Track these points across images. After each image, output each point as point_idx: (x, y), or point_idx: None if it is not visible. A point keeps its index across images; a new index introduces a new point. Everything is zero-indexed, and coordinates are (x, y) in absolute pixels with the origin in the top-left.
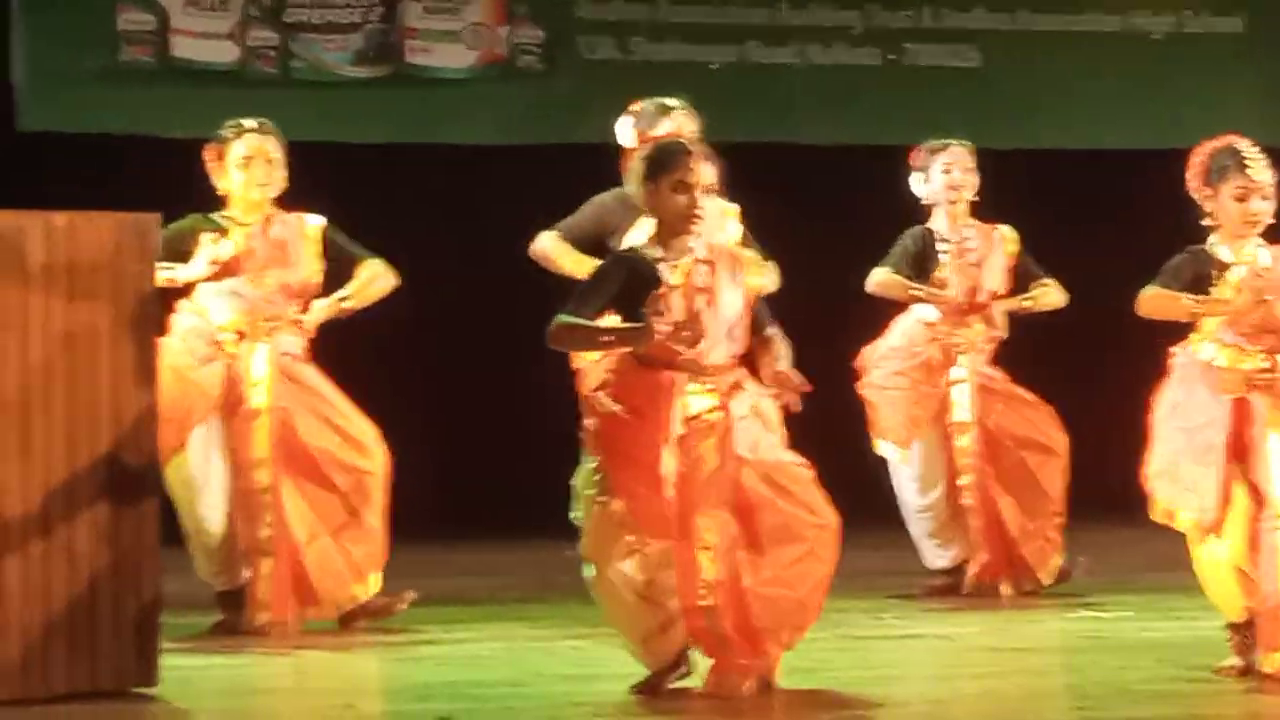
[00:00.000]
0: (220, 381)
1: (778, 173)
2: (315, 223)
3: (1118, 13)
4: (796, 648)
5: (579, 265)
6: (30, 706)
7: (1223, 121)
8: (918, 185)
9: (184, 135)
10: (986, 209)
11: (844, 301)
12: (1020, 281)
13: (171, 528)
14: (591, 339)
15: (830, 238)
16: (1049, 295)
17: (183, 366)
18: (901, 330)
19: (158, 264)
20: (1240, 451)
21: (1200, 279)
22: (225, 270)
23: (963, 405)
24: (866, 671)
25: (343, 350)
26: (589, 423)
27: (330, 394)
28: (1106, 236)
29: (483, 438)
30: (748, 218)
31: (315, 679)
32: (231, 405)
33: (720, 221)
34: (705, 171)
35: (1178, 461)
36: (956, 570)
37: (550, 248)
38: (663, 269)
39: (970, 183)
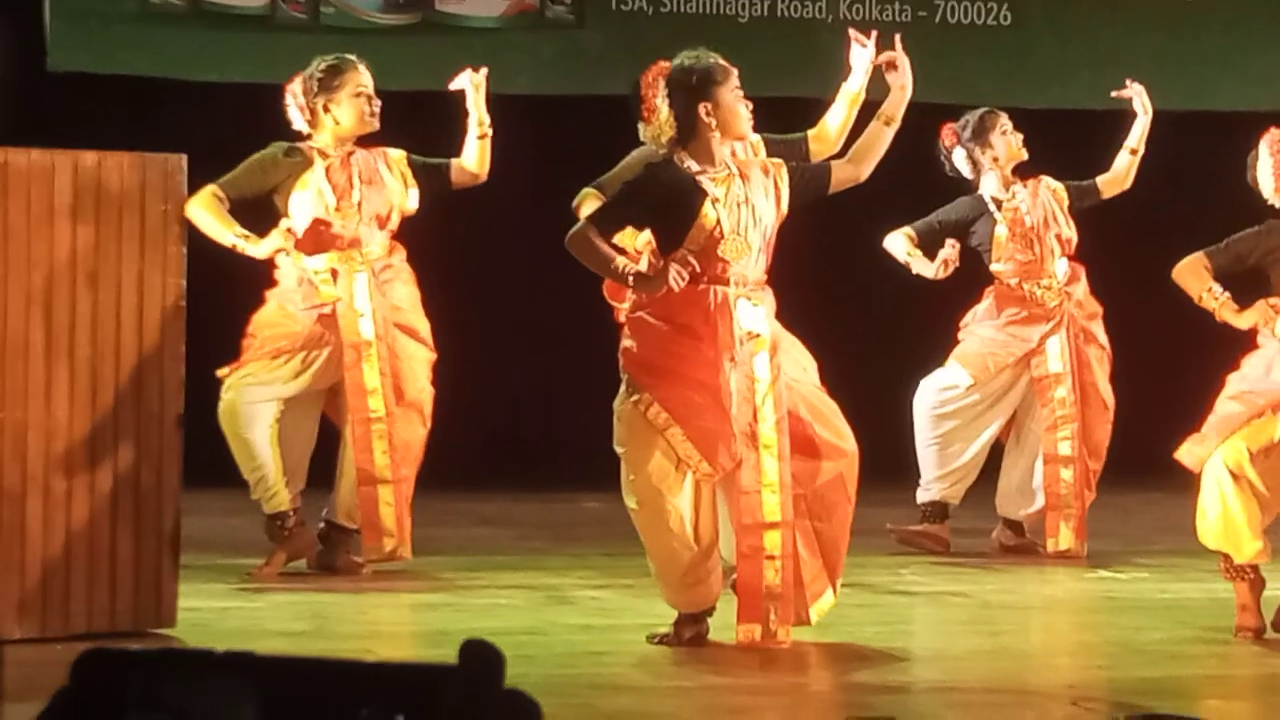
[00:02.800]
0: (313, 324)
1: (806, 127)
2: (397, 153)
3: None
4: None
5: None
6: (49, 644)
7: (1255, 84)
8: (961, 160)
9: (212, 79)
10: (1024, 170)
11: (872, 254)
12: (1079, 206)
13: (193, 471)
14: (604, 266)
15: (858, 192)
16: (1137, 133)
17: (289, 305)
18: (991, 297)
19: (235, 231)
20: None
21: (1271, 253)
22: (316, 206)
23: (1055, 356)
24: (884, 627)
25: None
26: (630, 346)
27: (419, 341)
28: (1137, 197)
29: (505, 390)
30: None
31: (332, 624)
32: (339, 342)
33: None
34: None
35: (1218, 403)
36: (936, 511)
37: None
38: (703, 181)
39: (1021, 140)
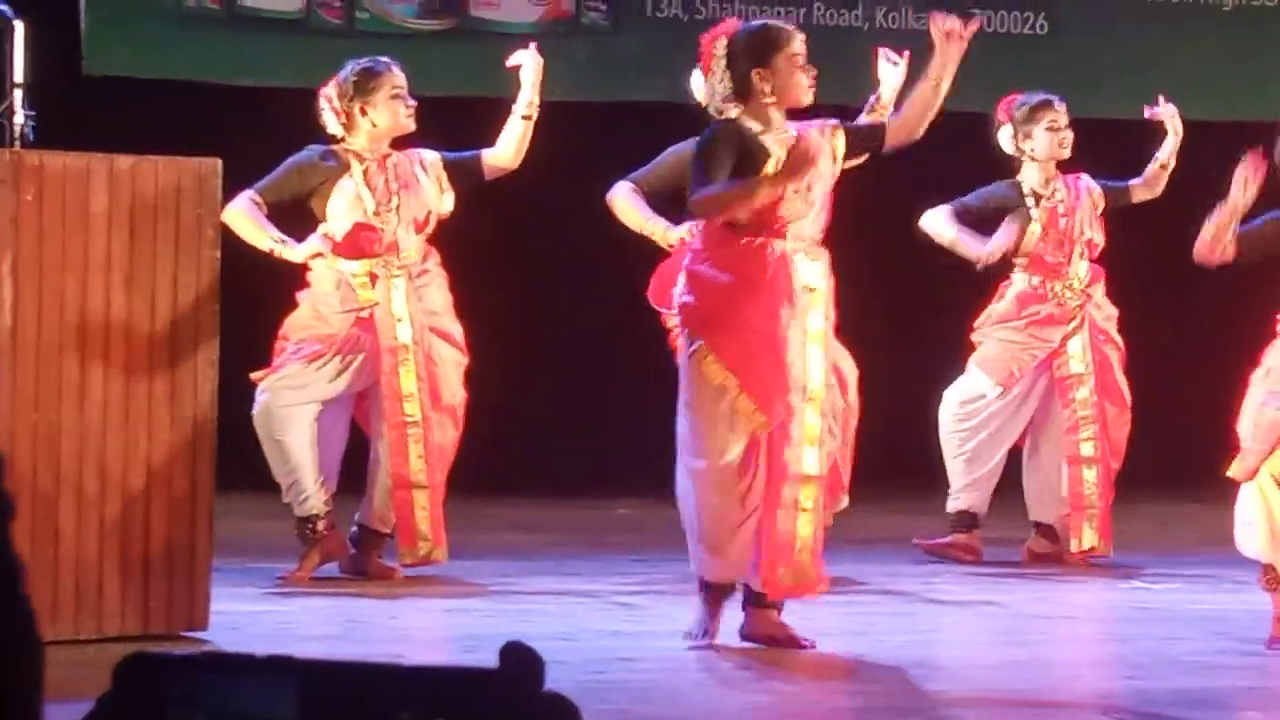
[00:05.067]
0: (349, 327)
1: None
2: (433, 156)
3: None
4: (847, 610)
5: (645, 225)
6: (82, 646)
7: None
8: (1006, 139)
9: (247, 83)
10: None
11: (908, 265)
12: (1113, 210)
13: (225, 474)
14: (744, 195)
15: (891, 201)
16: (1168, 149)
17: (323, 308)
18: (1012, 295)
19: (272, 236)
20: None
21: None
22: (355, 210)
23: (1077, 357)
24: (916, 636)
25: None
26: (688, 300)
27: (453, 345)
28: (1174, 208)
29: (539, 395)
30: None
31: (365, 628)
32: (375, 345)
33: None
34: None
35: (1254, 413)
36: (965, 520)
37: (620, 202)
38: (765, 140)
39: (1070, 140)
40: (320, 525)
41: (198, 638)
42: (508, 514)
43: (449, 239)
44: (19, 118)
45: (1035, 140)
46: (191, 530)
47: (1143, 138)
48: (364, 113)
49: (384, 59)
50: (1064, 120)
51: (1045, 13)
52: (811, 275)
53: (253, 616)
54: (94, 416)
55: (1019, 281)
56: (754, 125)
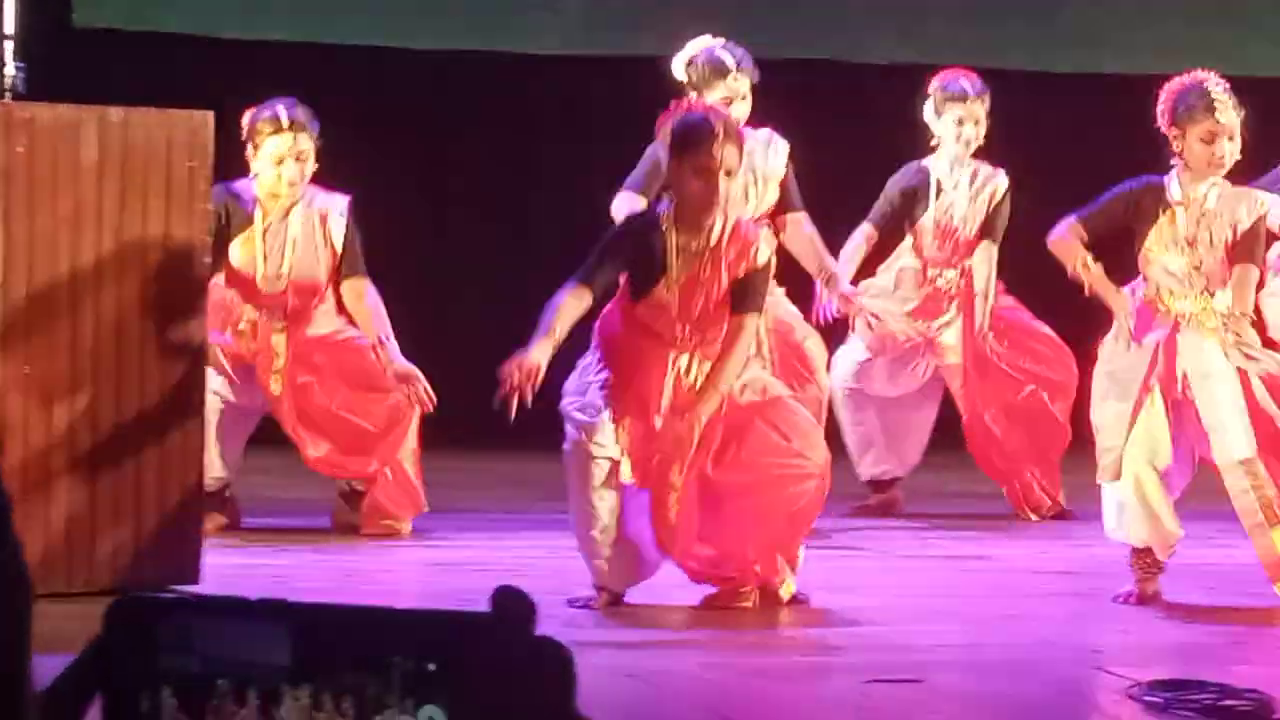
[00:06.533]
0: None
1: (829, 89)
2: (338, 220)
3: None
4: (838, 565)
5: None
6: (74, 599)
7: None
8: (930, 115)
9: (239, 35)
10: (1049, 135)
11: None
12: (985, 228)
13: None
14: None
15: (880, 154)
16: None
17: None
18: (893, 273)
19: None
20: (1166, 385)
21: (1144, 210)
22: (247, 263)
23: (952, 348)
24: (907, 590)
25: (389, 259)
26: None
27: (349, 377)
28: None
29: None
30: (797, 136)
31: (357, 582)
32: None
33: (768, 153)
34: (730, 155)
35: (1097, 412)
36: (888, 485)
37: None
38: (671, 259)
39: (979, 135)
40: (226, 491)
41: (190, 591)
42: (499, 469)
43: (450, 187)
44: (9, 70)
45: (943, 128)
46: (183, 484)
47: (1134, 93)
48: (253, 158)
49: (285, 117)
50: (976, 114)
51: None
52: (695, 374)
53: (246, 570)
54: (85, 369)
55: (903, 259)
56: (669, 228)
